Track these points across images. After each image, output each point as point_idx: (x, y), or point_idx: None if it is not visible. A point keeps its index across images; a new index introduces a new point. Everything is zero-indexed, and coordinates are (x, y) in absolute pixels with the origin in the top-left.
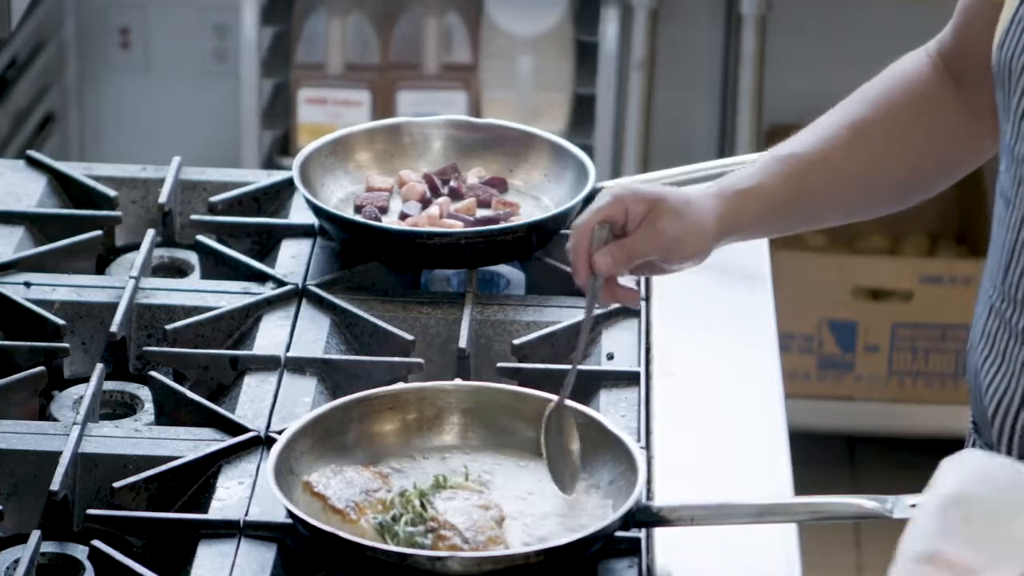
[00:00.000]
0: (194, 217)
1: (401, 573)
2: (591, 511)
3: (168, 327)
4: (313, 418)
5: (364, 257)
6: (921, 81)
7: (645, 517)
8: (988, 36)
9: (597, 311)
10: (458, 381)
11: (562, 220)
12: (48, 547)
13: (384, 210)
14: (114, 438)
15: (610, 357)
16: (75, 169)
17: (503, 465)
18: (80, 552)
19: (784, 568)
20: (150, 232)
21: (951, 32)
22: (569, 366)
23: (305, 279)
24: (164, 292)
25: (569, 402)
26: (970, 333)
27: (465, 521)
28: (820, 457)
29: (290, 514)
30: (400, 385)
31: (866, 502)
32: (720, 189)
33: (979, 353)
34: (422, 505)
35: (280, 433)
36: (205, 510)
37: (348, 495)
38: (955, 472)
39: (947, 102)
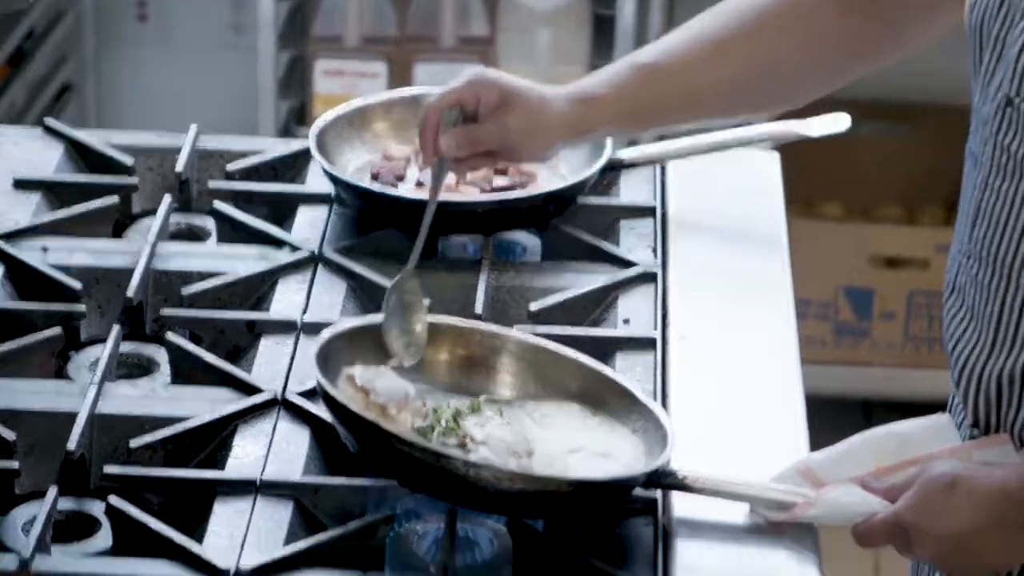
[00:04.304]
0: (211, 184)
1: (431, 475)
2: (623, 463)
3: (185, 291)
4: (360, 324)
5: (380, 225)
6: None
7: (669, 481)
8: None
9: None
10: (516, 331)
11: (579, 189)
12: (65, 504)
13: (401, 178)
14: (130, 398)
15: (626, 322)
16: (92, 137)
17: (541, 412)
18: (97, 508)
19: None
20: (167, 197)
21: None
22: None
23: (321, 245)
24: (181, 257)
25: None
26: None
27: (497, 444)
28: (836, 421)
29: (328, 403)
30: (458, 319)
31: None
32: (574, 93)
33: (948, 308)
34: (455, 421)
35: (298, 394)
36: (222, 469)
37: (389, 395)
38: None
39: (826, 13)
